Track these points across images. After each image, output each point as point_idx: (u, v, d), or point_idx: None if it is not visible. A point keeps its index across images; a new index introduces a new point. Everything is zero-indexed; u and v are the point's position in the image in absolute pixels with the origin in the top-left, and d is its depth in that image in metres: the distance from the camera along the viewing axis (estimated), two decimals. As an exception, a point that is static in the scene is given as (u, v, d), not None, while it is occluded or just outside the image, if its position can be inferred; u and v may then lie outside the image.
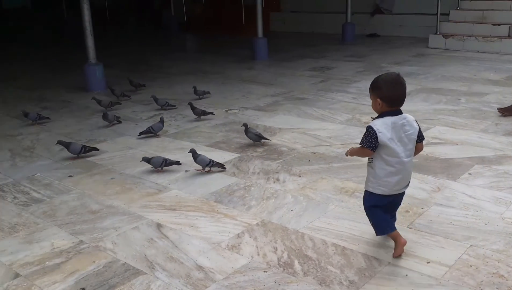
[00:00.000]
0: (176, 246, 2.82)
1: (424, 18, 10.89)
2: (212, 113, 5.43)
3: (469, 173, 3.62)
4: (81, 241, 2.91)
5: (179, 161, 3.99)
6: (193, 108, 5.38)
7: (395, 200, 2.63)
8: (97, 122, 5.40)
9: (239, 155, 4.24)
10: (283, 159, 4.10)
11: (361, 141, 2.48)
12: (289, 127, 4.97)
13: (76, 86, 7.15)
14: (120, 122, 5.29)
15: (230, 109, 5.77)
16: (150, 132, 4.79)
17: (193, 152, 3.88)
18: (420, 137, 2.55)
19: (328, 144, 4.41)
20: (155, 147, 4.53)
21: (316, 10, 13.01)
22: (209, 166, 3.85)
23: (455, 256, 2.58)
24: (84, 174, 3.95)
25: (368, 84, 2.68)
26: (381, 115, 2.47)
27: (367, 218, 2.68)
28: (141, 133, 4.78)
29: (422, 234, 2.81)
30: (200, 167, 3.88)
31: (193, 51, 12.17)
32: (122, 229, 3.04)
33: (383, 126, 2.42)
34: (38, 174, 3.99)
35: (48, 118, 5.51)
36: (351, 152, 2.59)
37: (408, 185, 2.62)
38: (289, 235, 2.87)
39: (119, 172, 3.98)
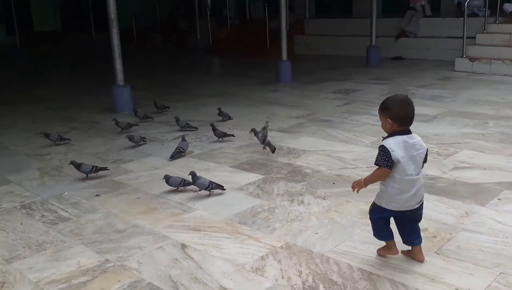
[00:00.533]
0: (200, 267, 2.82)
1: (450, 41, 10.82)
2: (232, 135, 5.45)
3: (498, 199, 3.55)
4: (107, 260, 2.94)
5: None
6: (214, 129, 5.44)
7: (407, 215, 2.66)
8: (124, 142, 5.48)
9: (263, 176, 4.25)
10: (307, 181, 4.09)
11: (376, 161, 2.54)
12: (313, 149, 4.96)
13: (104, 107, 7.30)
14: (145, 142, 5.35)
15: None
16: (180, 152, 4.84)
17: (192, 174, 3.88)
18: (424, 159, 2.61)
19: (353, 166, 4.38)
20: (180, 168, 4.57)
21: (340, 34, 13.08)
22: (208, 189, 3.84)
23: (485, 284, 2.51)
24: (110, 194, 4.00)
25: None
26: (391, 134, 2.54)
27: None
28: (172, 156, 4.81)
29: (450, 260, 2.75)
30: (197, 189, 3.88)
31: (218, 74, 12.32)
32: (147, 248, 3.06)
33: (395, 145, 2.50)
34: (66, 193, 4.06)
35: (69, 139, 5.58)
36: (366, 181, 2.64)
37: (421, 201, 2.64)
38: (314, 259, 2.85)
39: (145, 192, 4.02)
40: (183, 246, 3.06)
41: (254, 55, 13.33)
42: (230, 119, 6.35)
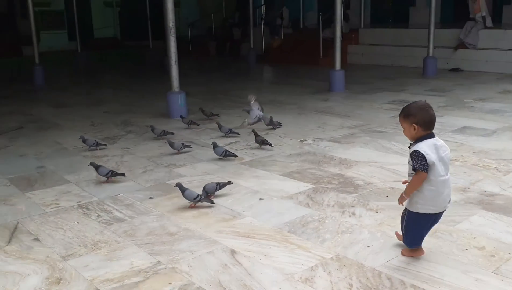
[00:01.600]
0: (250, 274, 2.82)
1: (511, 54, 10.41)
2: (270, 145, 5.43)
3: None
4: (159, 261, 3.00)
5: (230, 181, 4.13)
6: (256, 136, 5.46)
7: (438, 218, 2.77)
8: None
9: (313, 186, 4.22)
10: (359, 193, 4.02)
11: (414, 167, 2.62)
12: (366, 160, 4.88)
13: (159, 112, 7.49)
14: (190, 147, 5.37)
15: (305, 140, 5.77)
16: (229, 155, 4.99)
17: (179, 186, 3.88)
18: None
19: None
20: (231, 174, 4.60)
21: (396, 44, 12.85)
22: (196, 201, 3.81)
23: (548, 308, 2.38)
24: (163, 197, 4.09)
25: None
26: (419, 139, 2.63)
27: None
28: (224, 153, 4.97)
29: (509, 281, 2.62)
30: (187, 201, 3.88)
31: (269, 82, 12.37)
32: (198, 252, 3.09)
33: (428, 148, 2.58)
34: (121, 194, 4.18)
35: (105, 144, 5.66)
36: (407, 192, 2.70)
37: (450, 201, 2.75)
38: (365, 273, 2.79)
39: (196, 196, 4.07)
40: (233, 252, 3.08)
41: (306, 64, 13.31)
42: (280, 126, 6.34)
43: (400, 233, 2.99)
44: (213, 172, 4.68)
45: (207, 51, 18.05)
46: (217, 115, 7.09)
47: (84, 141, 5.52)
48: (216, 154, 4.65)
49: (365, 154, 5.12)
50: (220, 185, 4.03)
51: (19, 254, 3.14)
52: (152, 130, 6.01)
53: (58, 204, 4.00)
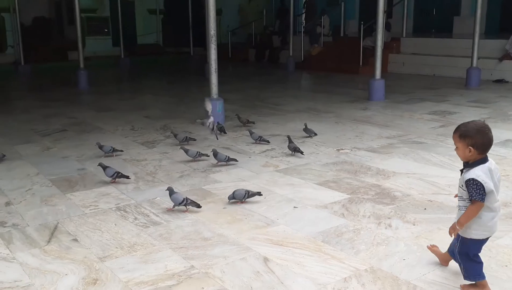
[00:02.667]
0: (282, 282, 2.81)
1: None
2: (302, 153, 5.39)
3: None
4: (192, 266, 3.03)
5: (260, 192, 4.10)
6: (290, 142, 5.46)
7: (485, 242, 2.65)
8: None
9: (349, 196, 4.17)
10: (396, 204, 3.95)
11: (471, 197, 2.46)
12: (404, 171, 4.79)
13: (197, 118, 7.57)
14: (207, 155, 5.32)
15: (342, 149, 5.72)
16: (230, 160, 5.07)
17: (170, 190, 3.95)
18: None
19: (447, 193, 4.16)
20: (266, 181, 4.61)
21: (439, 53, 12.59)
22: (182, 204, 3.86)
23: None
24: (199, 202, 4.12)
25: (494, 132, 2.58)
26: (474, 164, 2.48)
27: (486, 276, 2.47)
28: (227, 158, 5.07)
29: (554, 303, 2.51)
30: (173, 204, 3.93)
31: (307, 90, 12.34)
32: (231, 258, 3.11)
33: (485, 175, 2.45)
34: (158, 198, 4.25)
35: (121, 150, 5.68)
36: (461, 222, 2.53)
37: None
38: (400, 286, 2.73)
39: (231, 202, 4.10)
40: (266, 260, 3.07)
41: (345, 72, 13.20)
42: (315, 135, 6.30)
43: (431, 244, 2.97)
44: (248, 179, 4.70)
45: (246, 58, 18.18)
46: (253, 122, 7.11)
47: (101, 147, 5.53)
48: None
49: (403, 165, 5.02)
50: (249, 194, 4.03)
51: (58, 253, 3.24)
52: (175, 136, 6.09)
53: (97, 206, 4.10)
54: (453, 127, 2.67)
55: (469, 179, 2.45)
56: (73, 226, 3.68)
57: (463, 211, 2.53)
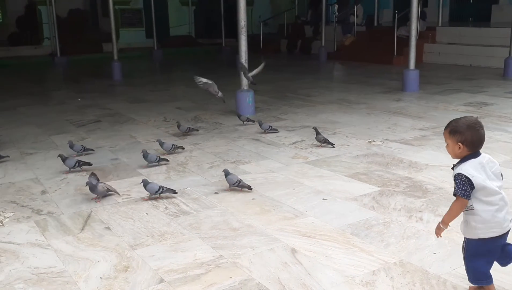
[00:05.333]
0: (309, 274, 2.81)
1: None
2: (332, 145, 5.33)
3: None
4: (221, 255, 3.06)
5: (250, 187, 4.15)
6: (317, 133, 5.41)
7: (504, 239, 2.43)
8: (244, 144, 5.68)
9: (379, 188, 4.12)
10: (428, 197, 3.88)
11: (454, 192, 2.37)
12: (437, 164, 4.69)
13: (228, 109, 7.61)
14: (183, 148, 5.41)
15: (374, 141, 5.65)
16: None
17: (144, 182, 4.06)
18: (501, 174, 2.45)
19: (480, 186, 4.06)
20: (295, 173, 4.60)
21: (476, 43, 12.24)
22: (158, 193, 4.01)
23: None
24: (228, 192, 4.16)
25: None
26: (464, 159, 2.38)
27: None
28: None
29: None
30: (148, 194, 4.06)
31: (339, 81, 12.21)
32: (259, 249, 3.12)
33: (473, 169, 2.34)
34: (188, 188, 4.30)
35: (92, 149, 5.49)
36: (446, 219, 2.44)
37: (510, 221, 2.43)
38: (430, 280, 2.70)
39: (260, 193, 4.11)
40: (293, 251, 3.08)
41: (379, 63, 13.00)
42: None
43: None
44: (277, 170, 4.70)
45: (278, 49, 18.11)
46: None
47: (71, 147, 5.37)
48: (150, 191, 4.06)
49: (436, 157, 4.92)
50: (240, 183, 4.10)
51: (91, 241, 3.33)
52: (178, 127, 6.15)
53: (130, 195, 4.19)
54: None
55: (456, 174, 2.36)
56: (106, 214, 3.77)
57: (471, 211, 2.39)
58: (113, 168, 4.94)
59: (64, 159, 4.78)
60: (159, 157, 4.88)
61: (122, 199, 4.10)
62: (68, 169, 4.79)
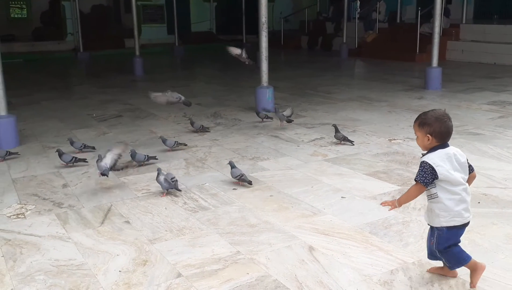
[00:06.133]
0: (327, 272, 2.80)
1: None
2: (352, 143, 5.29)
3: None
4: (238, 251, 3.07)
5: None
6: (336, 131, 5.38)
7: (463, 230, 2.59)
8: (263, 140, 5.68)
9: (399, 187, 4.08)
10: (448, 197, 3.82)
11: (415, 177, 2.50)
12: (458, 163, 4.62)
13: (247, 106, 7.62)
14: (185, 145, 5.43)
15: (394, 139, 5.59)
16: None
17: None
18: (470, 167, 2.59)
19: (503, 186, 3.99)
20: (314, 171, 4.59)
21: (501, 41, 12.00)
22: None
23: None
24: (246, 189, 4.17)
25: None
26: (432, 149, 2.50)
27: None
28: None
29: None
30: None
31: (361, 78, 12.10)
32: (276, 246, 3.13)
33: (438, 159, 2.45)
34: (207, 184, 4.33)
35: (93, 147, 5.45)
36: (403, 200, 2.60)
37: (471, 212, 2.58)
38: (448, 280, 2.66)
39: (278, 190, 4.11)
40: (311, 249, 3.07)
41: (401, 60, 12.85)
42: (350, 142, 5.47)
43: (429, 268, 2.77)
44: (296, 167, 4.69)
45: (298, 45, 18.03)
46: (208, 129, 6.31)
47: (72, 143, 5.36)
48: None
49: (458, 156, 4.84)
50: (242, 177, 4.22)
51: (111, 234, 3.37)
52: (192, 124, 6.11)
53: (149, 190, 4.23)
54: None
55: (422, 161, 2.48)
56: (125, 208, 3.82)
57: (435, 198, 2.50)
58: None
59: (61, 155, 4.87)
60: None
61: (142, 193, 4.14)
62: (65, 163, 4.86)
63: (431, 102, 7.72)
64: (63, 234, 3.39)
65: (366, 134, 5.81)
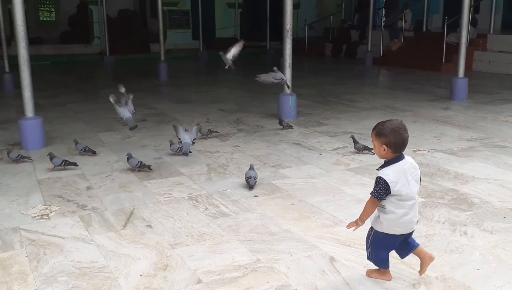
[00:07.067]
0: (347, 284, 2.77)
1: None
2: (372, 152, 5.24)
3: None
4: (258, 259, 3.06)
5: (150, 166, 4.87)
6: (355, 142, 5.34)
7: (407, 237, 2.72)
8: (285, 148, 5.67)
9: (423, 200, 4.02)
10: (473, 211, 3.76)
11: (371, 191, 2.58)
12: (484, 177, 4.54)
13: (270, 113, 7.63)
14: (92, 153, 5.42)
15: (418, 150, 5.52)
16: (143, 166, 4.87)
17: (128, 155, 4.85)
18: (420, 179, 2.66)
19: (530, 202, 3.90)
20: (335, 180, 4.56)
21: (529, 51, 11.79)
22: (136, 167, 4.76)
23: None
24: (267, 196, 4.16)
25: None
26: (388, 163, 2.58)
27: None
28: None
29: None
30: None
31: (385, 86, 12.00)
32: (297, 255, 3.11)
33: (393, 175, 2.53)
34: (228, 190, 4.33)
35: (93, 152, 5.47)
36: (363, 217, 2.67)
37: (418, 221, 2.70)
38: (472, 298, 2.61)
39: (299, 199, 4.09)
40: (332, 259, 3.05)
41: (427, 69, 12.72)
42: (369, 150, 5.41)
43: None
44: (318, 176, 4.67)
45: (322, 53, 18.00)
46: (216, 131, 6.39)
47: (76, 143, 5.52)
48: (131, 165, 4.86)
49: (484, 170, 4.76)
50: (141, 165, 4.78)
51: (133, 238, 3.40)
52: (199, 130, 5.97)
53: (171, 194, 4.26)
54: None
55: (377, 177, 2.56)
56: (148, 212, 3.85)
57: (382, 208, 2.60)
58: (156, 167, 5.03)
59: (52, 158, 4.93)
60: (140, 163, 4.83)
61: (164, 197, 4.17)
62: (53, 166, 4.90)
63: (457, 113, 7.61)
64: (86, 236, 3.44)
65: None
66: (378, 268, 2.81)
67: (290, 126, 6.60)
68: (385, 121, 2.62)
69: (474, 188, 4.25)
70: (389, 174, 2.53)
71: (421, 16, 15.81)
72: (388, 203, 2.57)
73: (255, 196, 4.18)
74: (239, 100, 9.15)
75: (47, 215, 3.82)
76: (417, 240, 3.27)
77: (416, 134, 6.27)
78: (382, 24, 15.36)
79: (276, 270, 2.93)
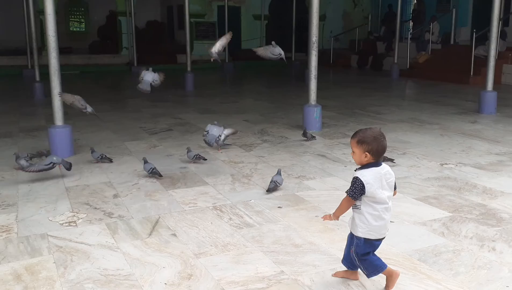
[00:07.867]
0: (372, 298, 2.74)
1: None
2: (393, 161, 5.18)
3: None
4: (282, 271, 3.05)
5: (160, 173, 4.96)
6: None
7: (377, 246, 2.79)
8: (309, 159, 5.65)
9: (451, 214, 3.95)
10: (502, 227, 3.68)
11: (347, 190, 2.68)
12: (514, 192, 4.44)
13: (294, 124, 7.63)
14: (205, 159, 5.49)
15: (446, 163, 5.43)
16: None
17: (144, 160, 4.99)
18: (395, 186, 2.74)
19: (562, 218, 3.80)
20: (362, 192, 4.51)
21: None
22: (148, 172, 4.90)
23: None
24: (291, 207, 4.15)
25: None
26: (366, 166, 2.65)
27: None
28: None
29: None
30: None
31: (411, 99, 11.88)
32: (321, 268, 3.09)
33: (370, 177, 2.61)
34: (252, 200, 4.34)
35: (111, 160, 5.57)
36: (337, 213, 2.80)
37: (388, 230, 2.76)
38: (502, 315, 2.54)
39: (324, 211, 4.06)
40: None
41: (454, 82, 12.56)
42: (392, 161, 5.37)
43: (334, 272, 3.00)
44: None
45: (348, 64, 17.95)
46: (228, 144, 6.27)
47: (92, 151, 5.61)
48: (145, 170, 5.02)
49: (513, 185, 4.66)
50: (154, 171, 4.91)
51: (158, 247, 3.43)
52: (207, 142, 6.01)
53: (196, 203, 4.28)
54: None
55: (355, 176, 2.64)
56: (173, 221, 3.88)
57: (358, 209, 2.68)
58: (182, 176, 5.08)
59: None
60: (152, 169, 4.94)
61: (189, 207, 4.20)
62: (18, 166, 4.92)
63: (485, 127, 7.47)
64: (112, 244, 3.48)
65: (417, 157, 5.68)
66: (346, 269, 2.92)
67: (313, 137, 6.59)
68: (366, 129, 2.73)
69: (503, 203, 4.16)
70: (366, 175, 2.62)
71: (449, 29, 15.65)
72: (363, 204, 2.66)
73: (279, 207, 4.17)
74: (264, 111, 9.18)
75: (75, 222, 3.89)
76: (445, 255, 3.23)
77: (443, 147, 6.18)
78: (409, 36, 15.26)
79: (300, 283, 2.91)
